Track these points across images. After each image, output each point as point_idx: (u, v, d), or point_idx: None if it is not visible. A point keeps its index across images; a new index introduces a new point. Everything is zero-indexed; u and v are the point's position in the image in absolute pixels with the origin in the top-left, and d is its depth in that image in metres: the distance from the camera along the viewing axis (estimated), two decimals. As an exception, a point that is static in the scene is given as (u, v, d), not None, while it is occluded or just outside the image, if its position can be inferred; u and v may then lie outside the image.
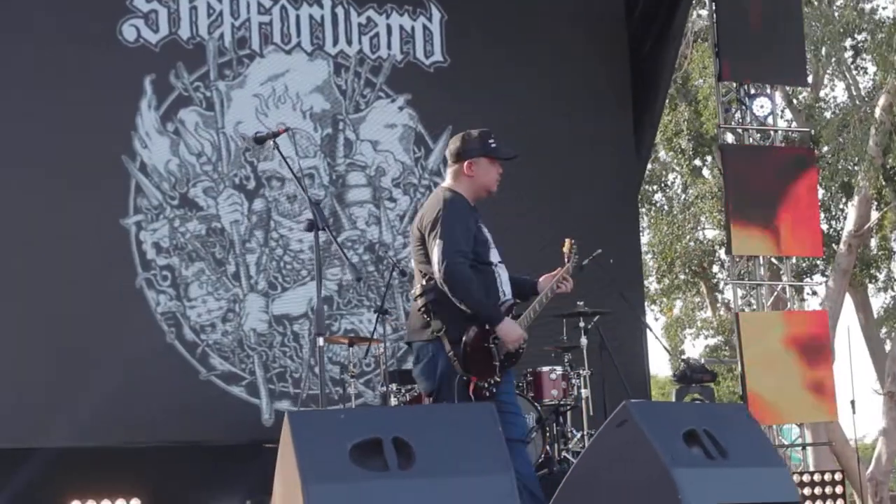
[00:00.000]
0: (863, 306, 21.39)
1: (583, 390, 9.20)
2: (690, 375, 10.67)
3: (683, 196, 21.81)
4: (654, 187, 22.12)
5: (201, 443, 9.67)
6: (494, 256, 6.27)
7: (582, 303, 9.15)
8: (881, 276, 21.27)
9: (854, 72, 20.20)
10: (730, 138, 12.80)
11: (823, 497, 10.49)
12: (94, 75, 9.88)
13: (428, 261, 6.12)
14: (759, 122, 12.37)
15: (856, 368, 12.70)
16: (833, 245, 19.58)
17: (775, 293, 13.10)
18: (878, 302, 22.19)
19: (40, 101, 9.68)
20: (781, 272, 13.26)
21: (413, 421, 4.74)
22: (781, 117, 14.02)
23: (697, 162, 21.31)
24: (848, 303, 20.61)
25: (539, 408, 8.83)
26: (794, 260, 13.71)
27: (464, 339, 6.04)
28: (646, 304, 17.19)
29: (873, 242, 20.81)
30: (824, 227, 19.50)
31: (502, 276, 6.28)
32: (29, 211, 9.55)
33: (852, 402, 12.45)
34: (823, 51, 18.75)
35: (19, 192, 9.55)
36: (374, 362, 9.98)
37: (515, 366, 6.31)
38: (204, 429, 9.73)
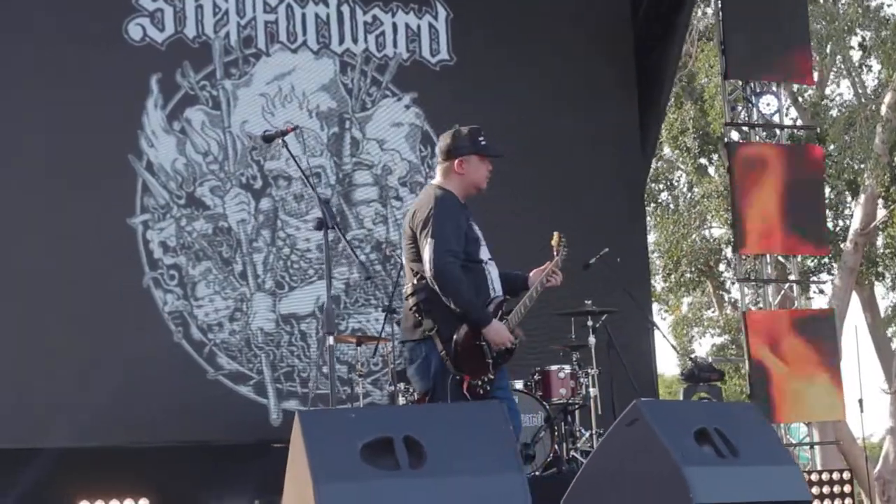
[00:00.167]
0: (869, 305, 21.36)
1: (591, 389, 9.17)
2: (698, 374, 10.66)
3: (689, 195, 21.79)
4: (660, 186, 22.10)
5: (209, 442, 9.66)
6: (485, 254, 6.30)
7: (590, 301, 9.16)
8: (889, 275, 21.22)
9: (859, 69, 20.16)
10: (735, 136, 12.79)
11: (832, 496, 10.47)
12: (100, 74, 9.87)
13: (419, 259, 6.15)
14: (764, 119, 12.36)
15: (863, 367, 12.67)
16: (839, 243, 19.55)
17: (782, 292, 13.09)
18: (885, 303, 22.19)
19: (46, 100, 9.67)
20: (788, 271, 13.25)
21: (424, 420, 4.73)
22: (786, 115, 13.96)
23: (703, 161, 21.28)
24: (855, 301, 20.59)
25: (547, 407, 8.82)
26: (800, 258, 13.67)
27: (455, 337, 6.07)
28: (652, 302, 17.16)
29: (880, 240, 20.78)
30: (830, 225, 19.47)
31: (492, 273, 6.31)
32: (35, 210, 9.53)
33: (860, 401, 12.42)
34: (828, 48, 18.71)
35: (25, 192, 9.54)
36: (381, 362, 9.97)
37: (509, 363, 6.31)
38: (211, 428, 9.72)
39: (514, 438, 4.73)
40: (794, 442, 12.87)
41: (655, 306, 21.29)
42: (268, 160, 10.31)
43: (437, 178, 6.38)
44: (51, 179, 9.63)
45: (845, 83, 20.76)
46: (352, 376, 9.63)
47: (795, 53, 12.38)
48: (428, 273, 6.05)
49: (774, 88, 12.46)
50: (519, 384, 8.83)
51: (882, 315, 21.81)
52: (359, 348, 9.25)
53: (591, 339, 9.18)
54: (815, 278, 19.68)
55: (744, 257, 12.36)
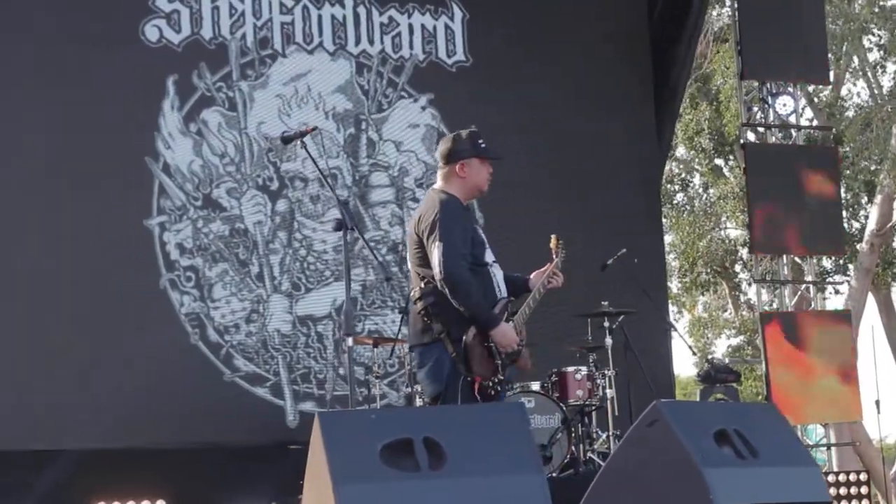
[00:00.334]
0: (886, 306, 21.31)
1: (608, 390, 9.15)
2: (715, 375, 10.65)
3: (705, 196, 21.75)
4: (676, 187, 22.06)
5: (225, 444, 9.64)
6: (489, 257, 6.40)
7: (606, 302, 9.15)
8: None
9: (875, 70, 20.11)
10: (751, 137, 12.76)
11: (849, 497, 10.46)
12: (116, 75, 9.87)
13: (425, 264, 6.22)
14: (781, 120, 12.33)
15: (879, 368, 12.62)
16: (856, 244, 19.50)
17: (798, 293, 13.06)
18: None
19: (64, 102, 9.67)
20: (804, 272, 13.22)
21: (443, 421, 4.73)
22: (802, 116, 13.93)
23: (719, 161, 21.24)
24: (871, 302, 20.54)
25: (564, 408, 8.80)
26: (815, 259, 13.64)
27: (464, 339, 6.13)
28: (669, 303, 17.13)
29: (896, 241, 20.73)
30: (846, 226, 19.42)
31: (497, 276, 6.39)
32: (53, 212, 9.54)
33: (877, 402, 12.39)
34: (844, 48, 18.67)
35: (39, 193, 9.54)
36: (398, 363, 9.97)
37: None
38: (228, 430, 9.71)
39: (533, 439, 4.73)
40: (810, 443, 12.85)
41: (672, 308, 21.25)
42: (284, 162, 10.32)
43: (439, 183, 6.46)
44: (71, 181, 9.63)
45: (861, 83, 20.70)
46: (368, 378, 9.63)
47: (812, 54, 12.35)
48: (438, 277, 6.12)
49: (791, 89, 12.43)
50: (536, 385, 8.83)
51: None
52: (375, 350, 9.25)
53: (608, 341, 9.17)
54: (831, 279, 19.62)
55: (760, 258, 12.31)
